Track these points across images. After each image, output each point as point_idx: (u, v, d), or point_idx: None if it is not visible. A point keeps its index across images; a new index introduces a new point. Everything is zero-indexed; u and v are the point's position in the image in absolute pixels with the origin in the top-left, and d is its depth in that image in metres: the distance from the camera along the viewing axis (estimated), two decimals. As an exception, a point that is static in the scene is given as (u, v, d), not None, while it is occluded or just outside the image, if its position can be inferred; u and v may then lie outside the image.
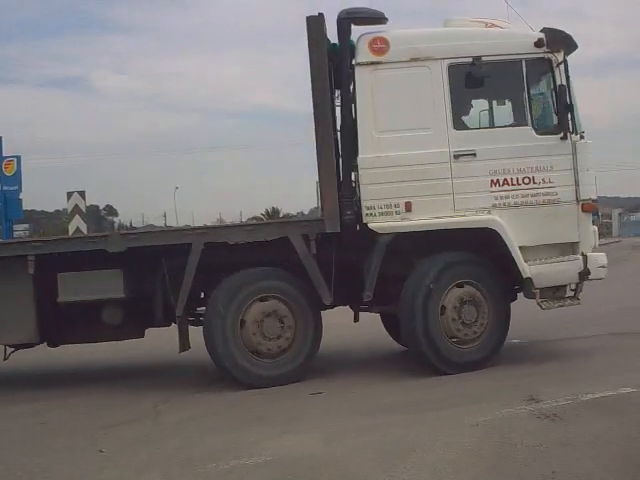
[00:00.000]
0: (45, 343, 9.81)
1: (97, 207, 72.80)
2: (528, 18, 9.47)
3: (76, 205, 20.39)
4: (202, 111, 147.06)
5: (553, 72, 8.87)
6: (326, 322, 9.11)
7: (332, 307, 9.16)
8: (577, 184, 8.84)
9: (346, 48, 8.92)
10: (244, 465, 5.82)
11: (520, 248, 8.76)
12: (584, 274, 8.80)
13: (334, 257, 8.85)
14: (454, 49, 8.90)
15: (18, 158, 28.75)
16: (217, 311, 8.66)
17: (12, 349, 9.84)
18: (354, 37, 8.99)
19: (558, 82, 8.82)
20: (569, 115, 8.77)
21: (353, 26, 9.04)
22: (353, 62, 8.89)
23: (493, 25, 9.34)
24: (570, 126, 8.82)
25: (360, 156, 8.81)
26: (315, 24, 8.75)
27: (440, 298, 8.65)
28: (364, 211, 8.77)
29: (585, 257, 8.82)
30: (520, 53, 8.88)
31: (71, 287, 8.87)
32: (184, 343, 9.01)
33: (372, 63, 8.85)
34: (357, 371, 9.36)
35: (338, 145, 9.13)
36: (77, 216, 20.28)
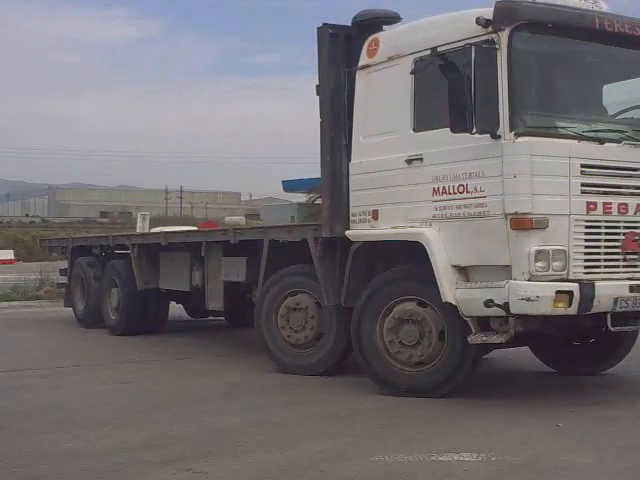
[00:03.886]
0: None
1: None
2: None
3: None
4: None
5: (496, 56, 7.22)
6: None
7: None
8: (503, 194, 7.12)
9: (358, 55, 8.86)
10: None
11: (460, 268, 7.58)
12: (499, 306, 7.06)
13: (339, 262, 9.04)
14: (418, 42, 8.04)
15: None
16: (258, 304, 9.88)
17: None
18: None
19: (498, 68, 7.20)
20: (496, 108, 7.18)
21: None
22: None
23: None
24: (503, 122, 7.13)
25: (350, 162, 8.80)
26: (321, 34, 8.98)
27: (376, 319, 8.19)
28: (350, 218, 8.77)
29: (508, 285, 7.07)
30: (470, 37, 7.44)
31: (225, 269, 11.15)
32: None
33: (364, 67, 8.67)
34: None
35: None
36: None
